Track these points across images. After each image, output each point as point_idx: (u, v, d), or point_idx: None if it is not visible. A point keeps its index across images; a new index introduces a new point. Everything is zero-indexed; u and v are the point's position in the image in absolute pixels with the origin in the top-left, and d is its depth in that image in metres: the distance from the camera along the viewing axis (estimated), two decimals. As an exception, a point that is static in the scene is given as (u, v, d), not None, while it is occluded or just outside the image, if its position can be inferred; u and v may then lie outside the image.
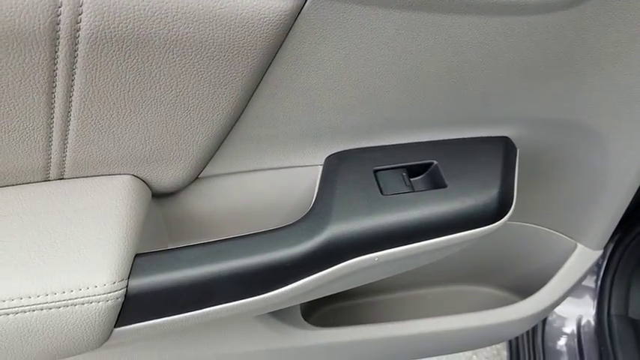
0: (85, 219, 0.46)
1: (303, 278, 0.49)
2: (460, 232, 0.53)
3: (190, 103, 0.45)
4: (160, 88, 0.43)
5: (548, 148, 0.61)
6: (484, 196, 0.53)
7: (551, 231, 0.74)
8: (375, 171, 0.54)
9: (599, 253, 0.72)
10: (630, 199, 0.64)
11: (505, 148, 0.57)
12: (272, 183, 0.57)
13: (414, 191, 0.53)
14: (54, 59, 0.39)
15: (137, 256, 0.46)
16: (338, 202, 0.51)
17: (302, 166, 0.56)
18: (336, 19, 0.42)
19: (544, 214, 0.72)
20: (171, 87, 0.43)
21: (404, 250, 0.52)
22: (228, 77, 0.44)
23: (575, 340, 1.00)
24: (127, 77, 0.42)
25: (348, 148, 0.56)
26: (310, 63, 0.45)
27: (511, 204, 0.55)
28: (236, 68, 0.43)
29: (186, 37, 0.40)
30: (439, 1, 0.41)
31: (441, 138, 0.57)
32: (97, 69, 0.40)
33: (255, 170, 0.56)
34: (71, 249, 0.44)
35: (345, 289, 0.57)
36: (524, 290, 0.78)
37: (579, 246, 0.72)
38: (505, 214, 0.54)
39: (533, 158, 0.62)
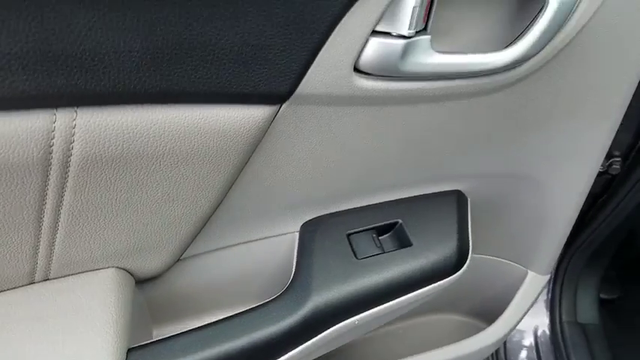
0: (74, 322, 0.47)
1: (290, 351, 0.52)
2: (428, 286, 0.58)
3: (173, 202, 0.47)
4: (146, 194, 0.45)
5: (496, 194, 0.67)
6: (445, 249, 0.58)
7: (505, 261, 0.81)
8: (348, 235, 0.58)
9: (548, 277, 0.80)
10: (569, 231, 0.72)
11: (458, 200, 0.63)
12: (251, 254, 0.59)
13: (384, 252, 0.57)
14: (45, 183, 0.41)
15: (129, 350, 0.48)
16: (317, 272, 0.55)
17: (279, 235, 0.60)
18: (308, 117, 0.46)
19: (498, 246, 0.79)
20: (156, 191, 0.46)
21: (380, 310, 0.56)
22: (210, 178, 0.46)
23: (534, 351, 1.08)
24: (115, 189, 0.44)
25: (321, 214, 0.60)
26: (287, 151, 0.49)
27: (468, 253, 0.61)
28: (218, 170, 0.46)
29: (173, 151, 0.42)
30: (397, 97, 0.46)
31: (402, 196, 0.62)
32: (86, 186, 0.42)
33: (234, 245, 0.58)
34: (65, 355, 0.45)
35: (327, 352, 0.60)
36: (486, 315, 0.84)
37: (530, 272, 0.79)
38: (464, 264, 0.60)
39: (484, 203, 0.68)
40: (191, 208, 0.49)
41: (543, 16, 0.43)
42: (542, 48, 0.45)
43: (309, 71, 0.41)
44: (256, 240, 0.59)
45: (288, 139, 0.48)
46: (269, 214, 0.57)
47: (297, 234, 0.60)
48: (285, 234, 0.60)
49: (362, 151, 0.52)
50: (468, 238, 0.61)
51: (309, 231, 0.59)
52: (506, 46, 0.45)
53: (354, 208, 0.60)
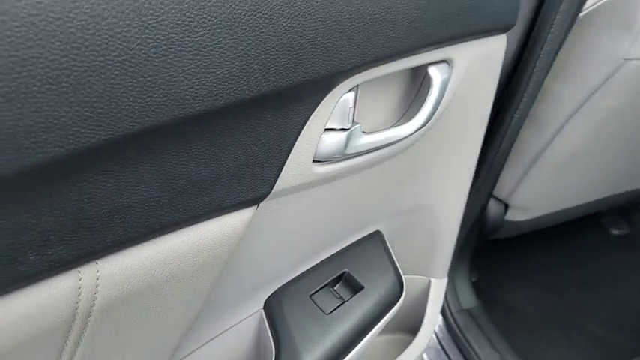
0: None
1: None
2: (385, 315, 0.68)
3: (167, 318, 0.50)
4: (147, 319, 0.47)
5: (401, 225, 0.81)
6: (388, 282, 0.70)
7: (412, 276, 0.95)
8: (311, 295, 0.66)
9: (446, 278, 0.97)
10: (456, 238, 0.89)
11: (380, 238, 0.75)
12: (223, 346, 0.63)
13: (345, 300, 0.67)
14: (65, 340, 0.41)
15: None
16: (298, 338, 0.62)
17: (246, 318, 0.65)
18: (275, 208, 0.53)
19: (405, 265, 0.93)
20: (157, 313, 0.48)
21: (358, 349, 0.65)
22: (201, 286, 0.50)
23: (439, 345, 1.25)
24: (124, 323, 0.45)
25: (279, 285, 0.67)
26: (255, 242, 0.55)
27: (402, 279, 0.73)
28: (209, 276, 0.50)
29: (177, 271, 0.46)
30: (342, 173, 0.57)
31: (340, 247, 0.72)
32: (101, 330, 0.43)
33: (206, 342, 0.62)
34: None
35: None
36: (409, 327, 0.98)
37: (432, 280, 0.95)
38: (403, 289, 0.72)
39: (393, 234, 0.82)
40: (182, 319, 0.52)
41: (431, 94, 0.58)
42: (432, 116, 0.60)
43: (282, 172, 0.50)
44: (225, 330, 0.63)
45: (258, 232, 0.55)
46: (237, 302, 0.62)
47: (262, 311, 0.66)
48: (251, 315, 0.65)
49: (315, 222, 0.61)
50: (397, 266, 0.74)
51: (275, 304, 0.65)
52: (409, 119, 0.59)
53: (306, 270, 0.69)
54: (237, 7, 0.36)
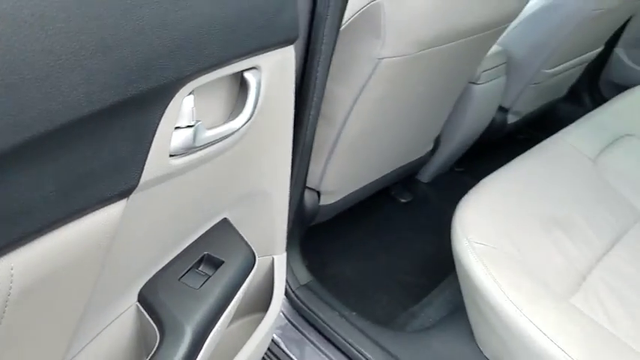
0: None
1: None
2: (245, 282, 0.82)
3: (64, 313, 0.57)
4: (51, 311, 0.54)
5: (241, 210, 0.96)
6: (243, 255, 0.84)
7: (259, 258, 1.10)
8: (179, 278, 0.77)
9: (285, 254, 1.14)
10: (287, 220, 1.07)
11: (228, 223, 0.89)
12: (102, 347, 0.70)
13: (210, 276, 0.79)
14: None
15: None
16: (180, 315, 0.72)
17: (122, 313, 0.72)
18: (141, 200, 0.63)
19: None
20: (58, 305, 0.55)
21: (228, 311, 0.77)
22: (91, 279, 0.58)
23: (286, 321, 1.41)
24: (32, 316, 0.52)
25: (150, 276, 0.75)
26: (125, 235, 0.64)
27: (253, 250, 0.88)
28: (97, 267, 0.58)
29: (77, 262, 0.54)
30: (194, 164, 0.69)
31: (198, 236, 0.84)
32: (16, 318, 0.49)
33: (86, 346, 0.68)
34: None
35: None
36: (261, 306, 1.12)
37: (274, 257, 1.11)
38: (256, 258, 0.87)
39: (235, 219, 0.95)
40: (76, 308, 0.59)
41: (250, 93, 0.74)
42: (255, 111, 0.76)
43: (145, 165, 0.61)
44: (104, 329, 0.70)
45: (128, 224, 0.64)
46: (113, 297, 0.69)
47: (137, 304, 0.74)
48: (127, 308, 0.73)
49: (175, 212, 0.72)
50: (248, 242, 0.88)
51: (149, 292, 0.74)
52: (237, 115, 0.74)
53: (170, 260, 0.79)
54: (106, 33, 0.48)
